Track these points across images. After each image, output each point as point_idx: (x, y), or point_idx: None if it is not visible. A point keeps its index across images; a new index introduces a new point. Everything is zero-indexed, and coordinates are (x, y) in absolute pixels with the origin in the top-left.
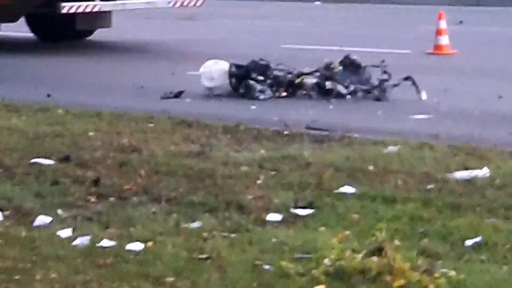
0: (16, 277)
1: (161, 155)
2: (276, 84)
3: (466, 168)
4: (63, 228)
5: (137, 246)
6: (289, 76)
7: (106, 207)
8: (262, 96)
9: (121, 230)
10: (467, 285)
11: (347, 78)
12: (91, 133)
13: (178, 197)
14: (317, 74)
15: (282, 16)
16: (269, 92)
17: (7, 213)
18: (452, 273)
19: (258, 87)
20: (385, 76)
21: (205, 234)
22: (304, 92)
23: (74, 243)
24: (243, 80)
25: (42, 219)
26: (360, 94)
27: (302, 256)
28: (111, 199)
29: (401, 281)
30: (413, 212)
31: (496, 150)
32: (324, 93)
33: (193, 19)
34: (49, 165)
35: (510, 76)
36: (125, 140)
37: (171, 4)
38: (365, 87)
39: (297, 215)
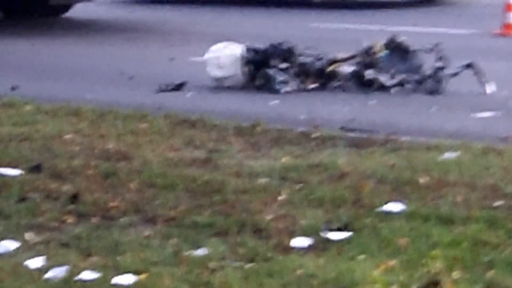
0: None
1: (156, 164)
2: (303, 73)
3: None
4: (32, 257)
5: (126, 279)
6: (319, 63)
7: (87, 230)
8: (284, 89)
9: (106, 258)
10: None
11: (392, 66)
12: (67, 136)
13: (178, 217)
14: (355, 60)
15: None
16: (293, 84)
17: None
18: None
19: (280, 77)
20: (441, 63)
21: (212, 264)
22: (338, 83)
23: (47, 275)
24: (260, 68)
25: (6, 245)
26: (409, 86)
27: None
28: (94, 219)
29: None
30: (476, 236)
31: None
32: (363, 84)
33: None
34: (14, 177)
35: None
36: (110, 145)
37: None
38: (415, 77)
39: (329, 240)
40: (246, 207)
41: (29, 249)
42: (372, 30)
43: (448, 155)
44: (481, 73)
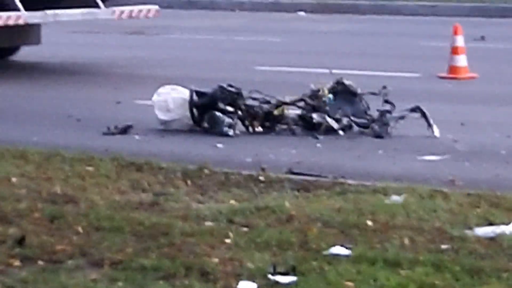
0: None
1: (103, 207)
2: (250, 116)
3: (490, 223)
4: None
5: None
6: (266, 106)
7: (33, 273)
8: (231, 132)
9: None
10: None
11: (339, 109)
12: (13, 179)
13: (125, 261)
14: (301, 103)
15: (255, 30)
16: (240, 127)
17: None
18: None
19: (227, 120)
20: (387, 107)
21: None
22: (285, 126)
23: None
24: (207, 111)
25: None
26: (355, 129)
27: None
28: (40, 262)
29: None
30: (422, 279)
31: None
32: (310, 127)
33: (144, 33)
34: None
35: None
36: (57, 188)
37: (115, 15)
38: (362, 121)
39: (276, 283)
40: (193, 250)
41: None
42: (319, 73)
43: (395, 198)
44: (427, 117)
